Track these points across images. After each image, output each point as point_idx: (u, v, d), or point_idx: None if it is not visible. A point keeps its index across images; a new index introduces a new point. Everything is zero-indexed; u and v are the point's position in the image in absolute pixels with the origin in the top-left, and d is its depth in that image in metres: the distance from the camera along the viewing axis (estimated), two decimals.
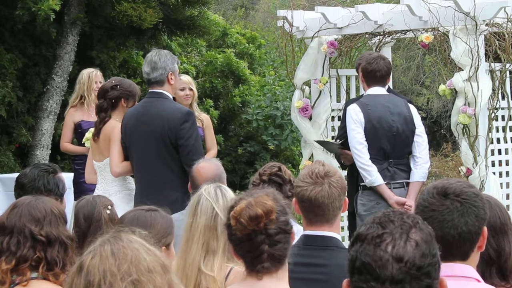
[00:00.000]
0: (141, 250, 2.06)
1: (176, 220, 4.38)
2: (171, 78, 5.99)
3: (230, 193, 3.87)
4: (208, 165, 4.93)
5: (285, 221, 2.96)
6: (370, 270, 2.11)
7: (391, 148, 6.30)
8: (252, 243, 2.91)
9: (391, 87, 7.78)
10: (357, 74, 6.71)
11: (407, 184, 6.33)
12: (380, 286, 2.10)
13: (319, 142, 7.33)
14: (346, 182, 3.80)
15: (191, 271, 3.68)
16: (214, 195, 3.81)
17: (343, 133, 6.72)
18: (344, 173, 6.67)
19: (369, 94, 6.47)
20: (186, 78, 7.33)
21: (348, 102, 7.10)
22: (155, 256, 2.08)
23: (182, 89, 7.14)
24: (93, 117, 6.97)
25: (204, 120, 7.35)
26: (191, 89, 7.21)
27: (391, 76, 8.21)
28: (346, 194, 3.79)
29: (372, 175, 6.20)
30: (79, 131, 7.66)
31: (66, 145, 7.81)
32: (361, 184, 6.31)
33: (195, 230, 3.75)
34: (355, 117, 6.29)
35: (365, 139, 6.25)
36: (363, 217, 6.22)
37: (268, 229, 2.90)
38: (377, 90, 6.45)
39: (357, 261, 2.14)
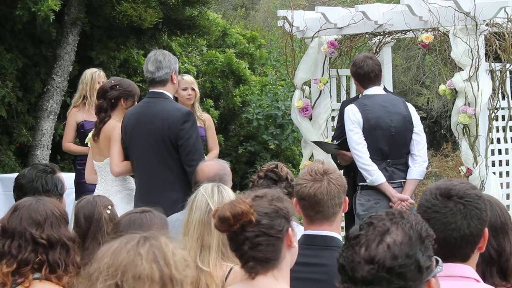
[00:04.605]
0: (145, 257, 2.04)
1: (177, 220, 4.38)
2: (174, 78, 6.00)
3: (228, 192, 3.88)
4: (212, 163, 4.92)
5: (268, 225, 2.87)
6: (346, 271, 2.18)
7: (389, 148, 6.30)
8: (234, 243, 2.90)
9: (391, 87, 7.77)
10: None
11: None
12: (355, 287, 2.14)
13: (315, 142, 7.32)
14: (345, 181, 3.80)
15: None
16: (210, 191, 3.84)
17: (339, 133, 6.72)
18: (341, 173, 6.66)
19: (367, 94, 6.47)
20: (188, 78, 7.33)
21: (344, 102, 7.10)
22: (163, 268, 2.05)
23: (185, 89, 7.14)
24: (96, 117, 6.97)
25: (206, 120, 7.36)
26: (193, 89, 7.21)
27: (391, 76, 8.23)
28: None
29: (373, 174, 6.20)
30: (81, 131, 7.66)
31: (69, 145, 7.81)
32: (359, 184, 6.31)
33: (190, 224, 3.80)
34: (353, 118, 6.29)
35: (363, 138, 6.26)
36: (362, 217, 6.21)
37: (246, 231, 2.86)
38: (375, 90, 6.46)
39: (338, 262, 2.22)
